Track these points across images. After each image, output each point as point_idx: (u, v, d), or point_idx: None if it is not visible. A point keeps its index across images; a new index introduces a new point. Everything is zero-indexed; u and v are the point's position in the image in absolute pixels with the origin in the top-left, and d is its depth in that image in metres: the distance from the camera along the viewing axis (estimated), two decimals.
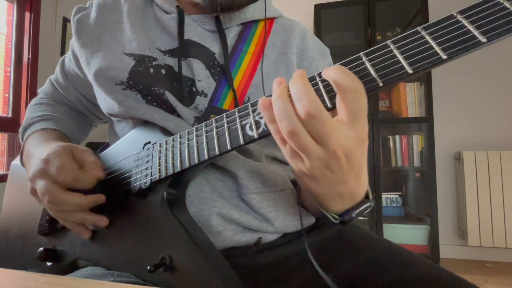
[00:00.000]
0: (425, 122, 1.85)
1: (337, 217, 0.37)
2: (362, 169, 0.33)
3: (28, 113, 0.61)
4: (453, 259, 1.91)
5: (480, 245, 1.78)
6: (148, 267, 0.34)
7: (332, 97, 0.30)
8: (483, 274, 1.68)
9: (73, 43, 0.55)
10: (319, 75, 0.32)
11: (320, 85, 0.31)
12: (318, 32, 2.01)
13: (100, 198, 0.43)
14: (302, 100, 0.28)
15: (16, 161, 0.64)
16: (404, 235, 1.87)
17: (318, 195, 0.35)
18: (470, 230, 1.79)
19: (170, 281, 0.35)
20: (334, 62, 0.37)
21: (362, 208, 0.37)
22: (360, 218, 1.97)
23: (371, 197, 0.38)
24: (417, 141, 1.92)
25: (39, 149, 0.46)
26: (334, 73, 0.28)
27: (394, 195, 2.03)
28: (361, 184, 0.35)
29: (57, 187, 0.40)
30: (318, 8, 2.05)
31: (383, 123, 1.95)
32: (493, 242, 1.76)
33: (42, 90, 0.66)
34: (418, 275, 0.40)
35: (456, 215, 1.97)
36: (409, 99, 1.93)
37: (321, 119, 0.28)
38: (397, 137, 1.97)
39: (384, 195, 2.00)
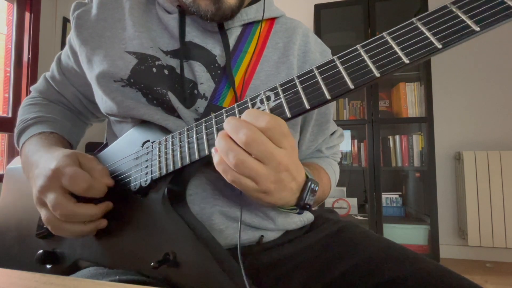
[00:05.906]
0: (425, 122, 1.85)
1: (294, 207, 0.39)
2: (299, 162, 0.37)
3: (21, 114, 0.58)
4: (453, 259, 1.91)
5: (480, 245, 1.78)
6: (152, 264, 0.34)
7: (291, 107, 0.33)
8: (483, 274, 1.68)
9: (72, 39, 0.53)
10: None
11: (282, 96, 0.34)
12: (318, 32, 2.01)
13: (109, 205, 0.43)
14: (241, 129, 0.31)
15: (11, 165, 0.62)
16: (404, 235, 1.86)
17: (274, 204, 0.36)
18: (470, 230, 1.79)
19: (175, 277, 0.35)
20: None
21: (307, 188, 0.38)
22: (360, 218, 1.97)
23: (309, 175, 0.40)
24: (417, 141, 1.92)
25: (42, 156, 0.45)
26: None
27: (394, 195, 2.03)
28: (301, 171, 0.37)
29: (69, 200, 0.39)
30: (318, 8, 2.05)
31: (383, 123, 1.94)
32: (493, 242, 1.75)
33: (36, 88, 0.63)
34: (417, 271, 0.40)
35: (456, 215, 1.96)
36: (409, 99, 1.93)
37: (260, 140, 0.31)
38: (397, 137, 1.97)
39: (384, 195, 2.00)
